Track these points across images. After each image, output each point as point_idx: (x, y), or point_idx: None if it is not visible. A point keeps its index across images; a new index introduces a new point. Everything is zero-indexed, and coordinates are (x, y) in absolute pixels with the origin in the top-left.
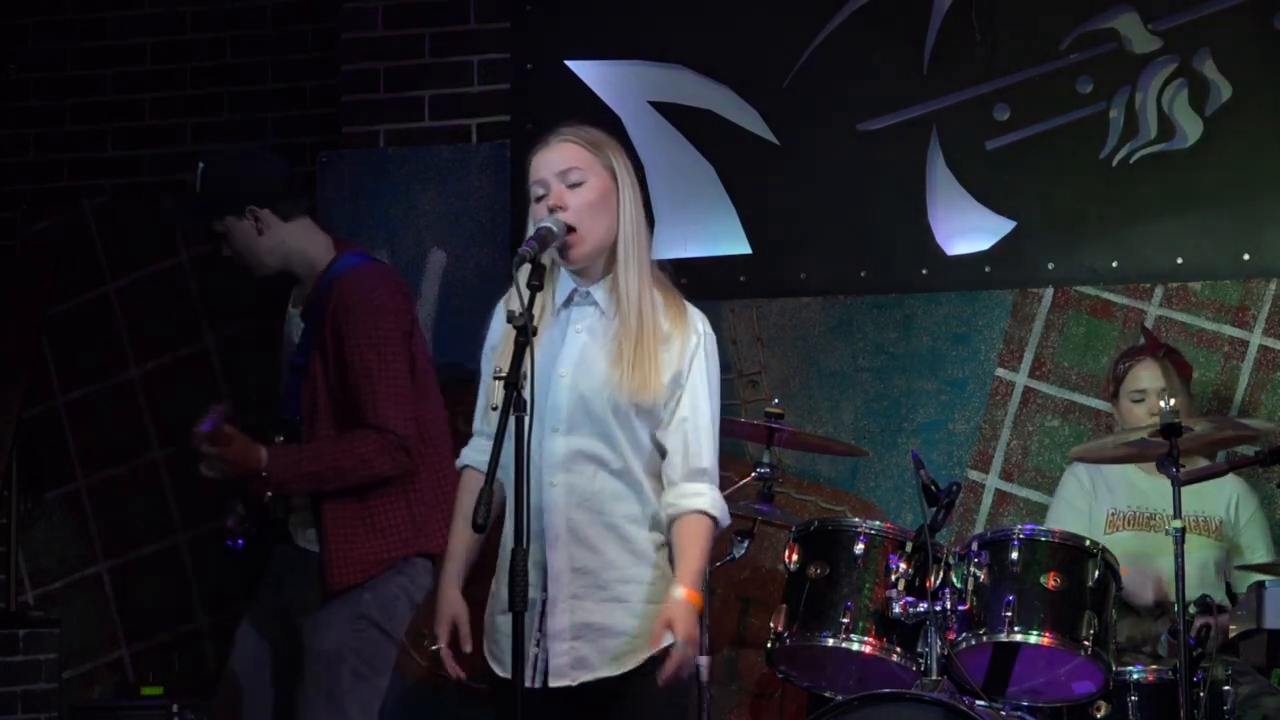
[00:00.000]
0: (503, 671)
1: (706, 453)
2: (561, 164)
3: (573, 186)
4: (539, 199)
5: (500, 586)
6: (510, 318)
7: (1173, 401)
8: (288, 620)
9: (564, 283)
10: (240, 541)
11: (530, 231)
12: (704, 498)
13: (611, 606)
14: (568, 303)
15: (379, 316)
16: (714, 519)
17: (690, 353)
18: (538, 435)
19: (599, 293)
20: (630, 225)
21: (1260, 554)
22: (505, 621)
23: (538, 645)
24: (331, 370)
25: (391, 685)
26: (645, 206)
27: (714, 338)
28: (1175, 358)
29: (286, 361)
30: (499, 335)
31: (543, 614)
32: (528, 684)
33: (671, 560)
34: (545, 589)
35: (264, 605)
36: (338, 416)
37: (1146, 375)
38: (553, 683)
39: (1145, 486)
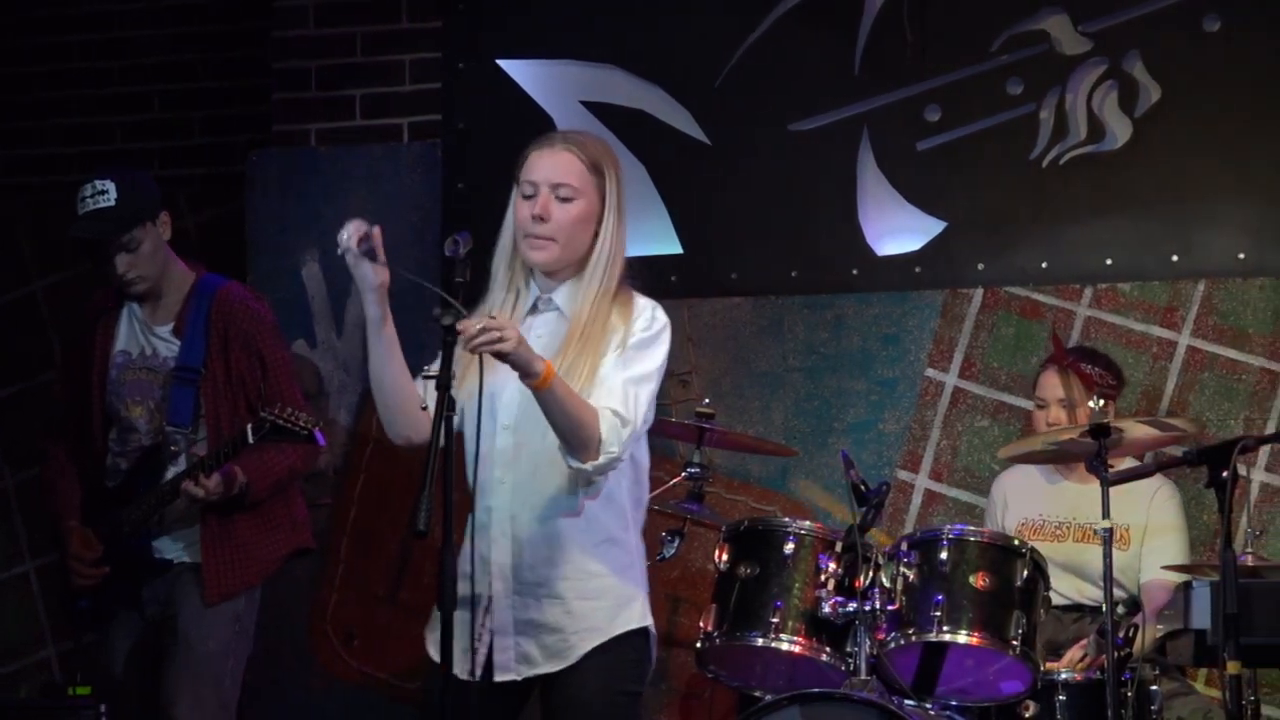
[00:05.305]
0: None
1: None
2: (557, 176)
3: (562, 200)
4: (527, 197)
5: None
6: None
7: (1062, 414)
8: (160, 624)
9: (531, 289)
10: (85, 603)
11: (508, 225)
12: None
13: (550, 603)
14: (533, 309)
15: (281, 332)
16: (600, 433)
17: (634, 324)
18: (489, 431)
19: (560, 297)
20: (607, 248)
21: (1169, 556)
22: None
23: (480, 640)
24: (236, 381)
25: (326, 687)
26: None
27: (666, 324)
28: (1079, 368)
29: (131, 374)
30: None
31: (487, 610)
32: (469, 677)
33: (609, 554)
34: (490, 584)
35: (130, 619)
36: (235, 422)
37: (1047, 384)
38: (498, 677)
39: (1055, 494)
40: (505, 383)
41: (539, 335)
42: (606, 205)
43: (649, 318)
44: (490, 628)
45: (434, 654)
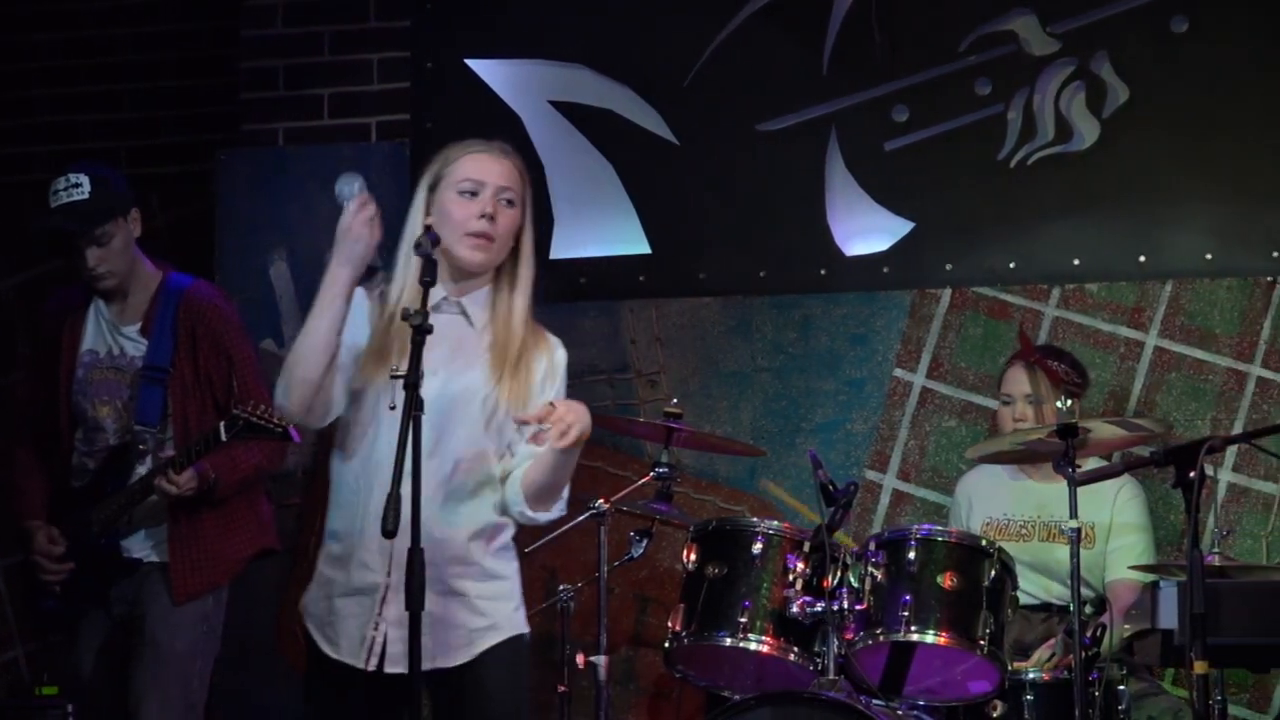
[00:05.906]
0: (334, 652)
1: None
2: (503, 180)
3: (508, 205)
4: (468, 194)
5: (338, 572)
6: (405, 315)
7: (1029, 411)
8: (128, 624)
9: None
10: (52, 603)
11: (455, 223)
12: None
13: (449, 600)
14: (435, 307)
15: (247, 331)
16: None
17: (558, 365)
18: (401, 425)
19: (471, 303)
20: (531, 265)
21: (1134, 556)
22: (344, 604)
23: (376, 629)
24: (204, 380)
25: (293, 688)
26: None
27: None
28: (1047, 365)
29: (98, 374)
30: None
31: (384, 599)
32: (364, 667)
33: (508, 557)
34: (389, 574)
35: (98, 618)
36: (202, 421)
37: (1014, 380)
38: (389, 668)
39: (1020, 493)
40: (426, 379)
41: (442, 337)
42: (527, 219)
43: (562, 356)
44: (385, 617)
45: (323, 645)
